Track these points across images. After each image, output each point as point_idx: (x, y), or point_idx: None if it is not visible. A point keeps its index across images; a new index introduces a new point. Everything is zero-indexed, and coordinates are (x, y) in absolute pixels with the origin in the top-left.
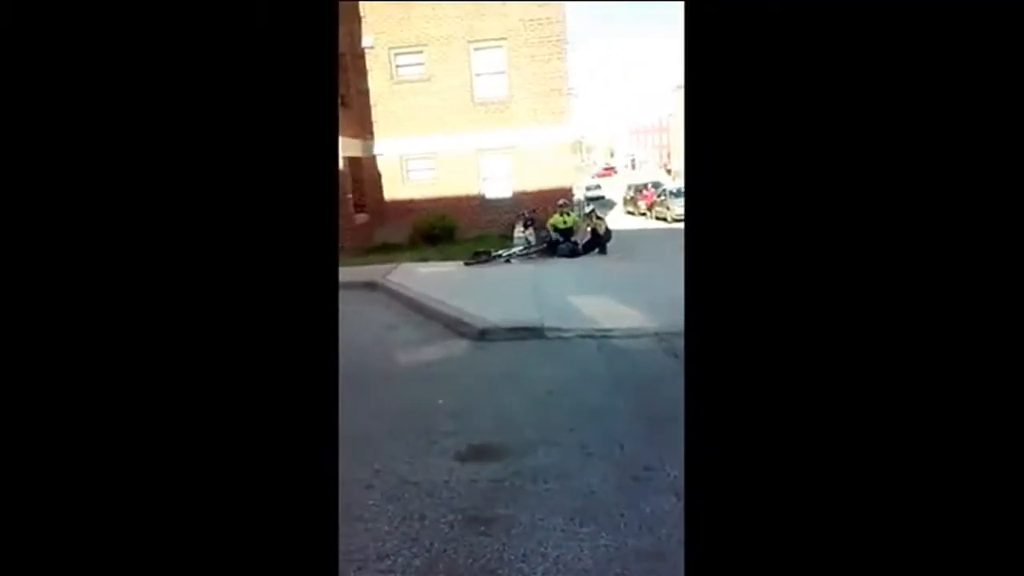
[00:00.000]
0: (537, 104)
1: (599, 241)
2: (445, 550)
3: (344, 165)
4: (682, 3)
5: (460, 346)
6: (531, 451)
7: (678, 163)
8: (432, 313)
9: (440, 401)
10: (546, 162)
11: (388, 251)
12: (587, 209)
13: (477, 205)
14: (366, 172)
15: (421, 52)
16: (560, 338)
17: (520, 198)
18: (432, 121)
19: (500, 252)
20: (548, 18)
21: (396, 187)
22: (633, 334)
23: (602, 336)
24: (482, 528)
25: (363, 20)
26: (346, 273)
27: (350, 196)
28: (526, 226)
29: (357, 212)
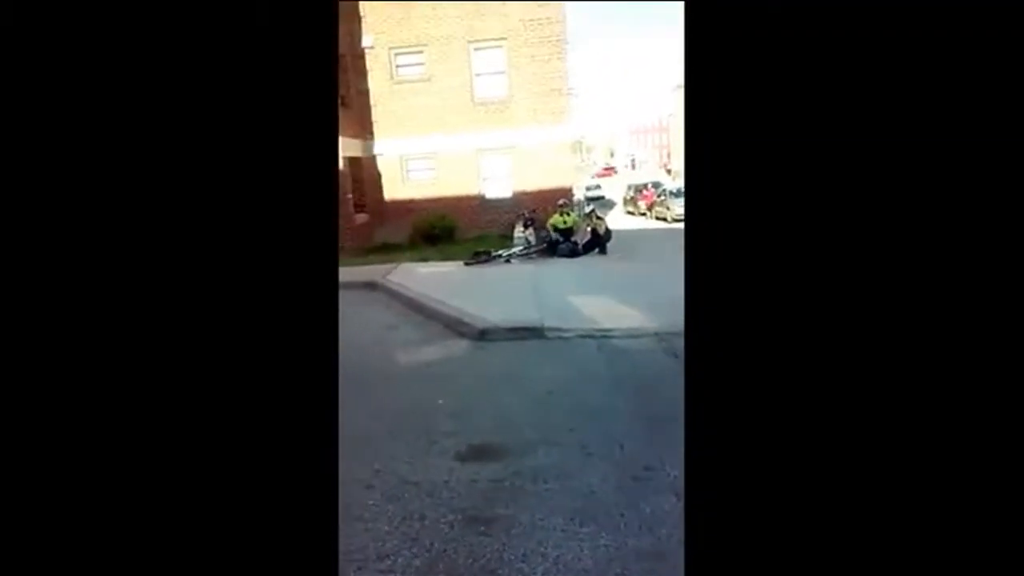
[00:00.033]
0: (537, 104)
1: (599, 241)
2: (445, 550)
3: (344, 165)
4: (682, 3)
5: (460, 346)
6: (531, 451)
7: (678, 163)
8: (432, 313)
9: (440, 401)
10: (546, 162)
11: (388, 251)
12: (587, 209)
13: (477, 205)
14: (366, 172)
15: (421, 52)
16: (560, 338)
17: (520, 198)
18: (432, 121)
19: (500, 252)
20: (548, 18)
21: (396, 187)
22: (633, 334)
23: (602, 336)
24: (482, 528)
25: (363, 20)
26: (346, 273)
27: (350, 196)
28: (526, 226)
29: (357, 212)
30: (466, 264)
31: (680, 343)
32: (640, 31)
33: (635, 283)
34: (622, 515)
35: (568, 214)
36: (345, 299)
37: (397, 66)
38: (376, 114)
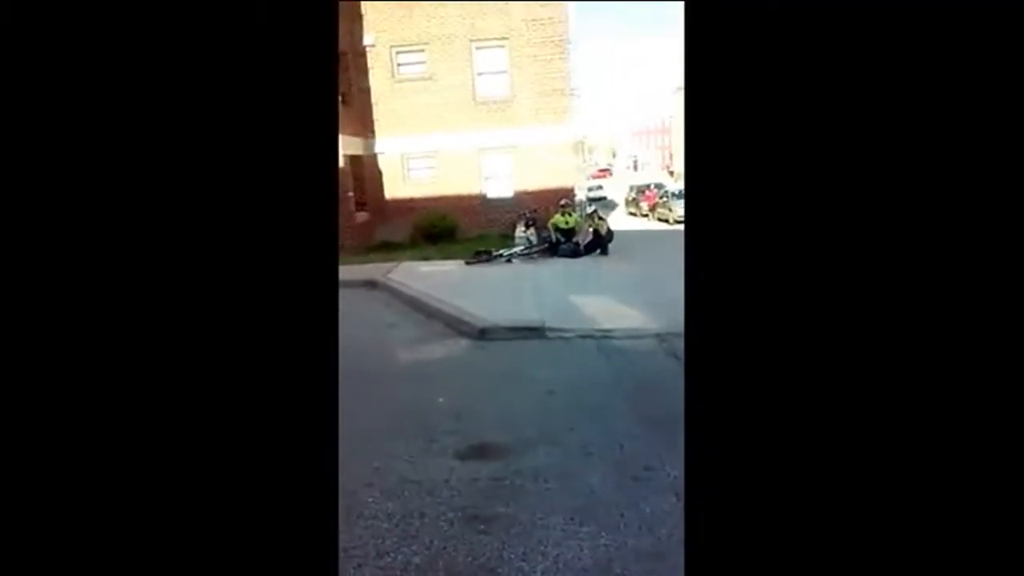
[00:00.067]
0: (539, 104)
1: (600, 242)
2: (445, 548)
3: (345, 163)
4: (682, 3)
5: (461, 345)
6: (531, 450)
7: (680, 165)
8: (433, 312)
9: (440, 400)
10: (548, 162)
11: (389, 250)
12: (589, 210)
13: (478, 204)
14: (367, 170)
15: (423, 51)
16: (561, 338)
17: (521, 198)
18: (433, 120)
19: (501, 252)
20: (550, 18)
21: (397, 186)
22: (634, 335)
23: (603, 336)
24: (482, 526)
25: (364, 18)
26: (346, 271)
27: (351, 194)
28: (527, 226)
29: (358, 210)
30: (467, 263)
31: (680, 344)
32: (641, 32)
33: (636, 284)
34: (622, 515)
35: (570, 214)
36: (345, 297)
37: (398, 64)
38: (377, 112)
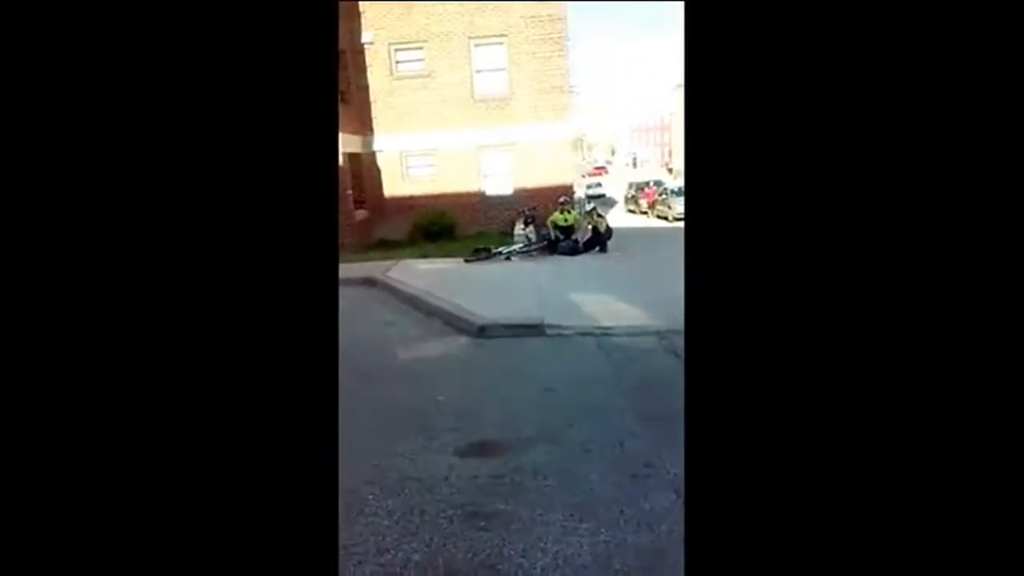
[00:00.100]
0: (538, 101)
1: (600, 239)
2: (444, 545)
3: (344, 161)
4: (682, 3)
5: (460, 343)
6: (531, 447)
7: (679, 162)
8: (432, 310)
9: (440, 398)
10: (547, 159)
11: (388, 247)
12: (588, 207)
13: (477, 202)
14: (366, 168)
15: (421, 48)
16: (560, 335)
17: (520, 195)
18: (432, 117)
19: (500, 249)
20: (549, 15)
21: (396, 183)
22: (633, 332)
23: (602, 334)
24: (482, 523)
25: (363, 15)
26: (345, 269)
27: (350, 192)
28: (526, 223)
29: (357, 208)
30: (466, 261)
31: (680, 341)
32: (641, 32)
33: (635, 281)
34: (621, 512)
35: (569, 212)
36: (344, 295)
37: (397, 62)
38: (376, 110)
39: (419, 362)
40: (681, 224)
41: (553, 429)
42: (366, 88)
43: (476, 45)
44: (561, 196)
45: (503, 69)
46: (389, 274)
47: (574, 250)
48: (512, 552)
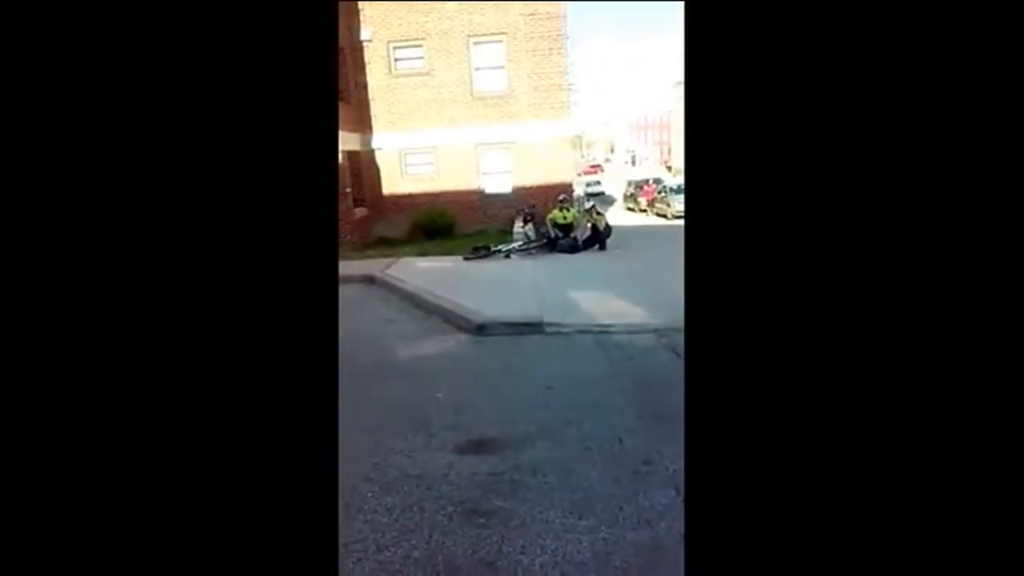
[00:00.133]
0: (537, 99)
1: (599, 237)
2: (444, 542)
3: (343, 159)
4: (682, 3)
5: (459, 340)
6: (530, 445)
7: (678, 160)
8: (431, 307)
9: (439, 395)
10: (546, 157)
11: (387, 245)
12: (587, 205)
13: (476, 200)
14: (365, 166)
15: (420, 46)
16: (559, 333)
17: (519, 193)
18: (431, 115)
19: (499, 247)
20: (548, 13)
21: (395, 181)
22: (632, 330)
23: (601, 332)
24: (481, 520)
25: (362, 13)
26: (345, 267)
27: (349, 190)
28: (525, 221)
29: (356, 206)
30: (465, 259)
31: (678, 339)
32: (641, 32)
33: (634, 279)
34: (620, 508)
35: (568, 210)
36: (343, 293)
37: (396, 59)
38: (375, 108)
39: (418, 360)
40: (680, 222)
41: (552, 426)
42: (365, 86)
43: (475, 43)
44: (560, 194)
45: (502, 67)
46: (388, 272)
47: (573, 248)
48: (511, 549)
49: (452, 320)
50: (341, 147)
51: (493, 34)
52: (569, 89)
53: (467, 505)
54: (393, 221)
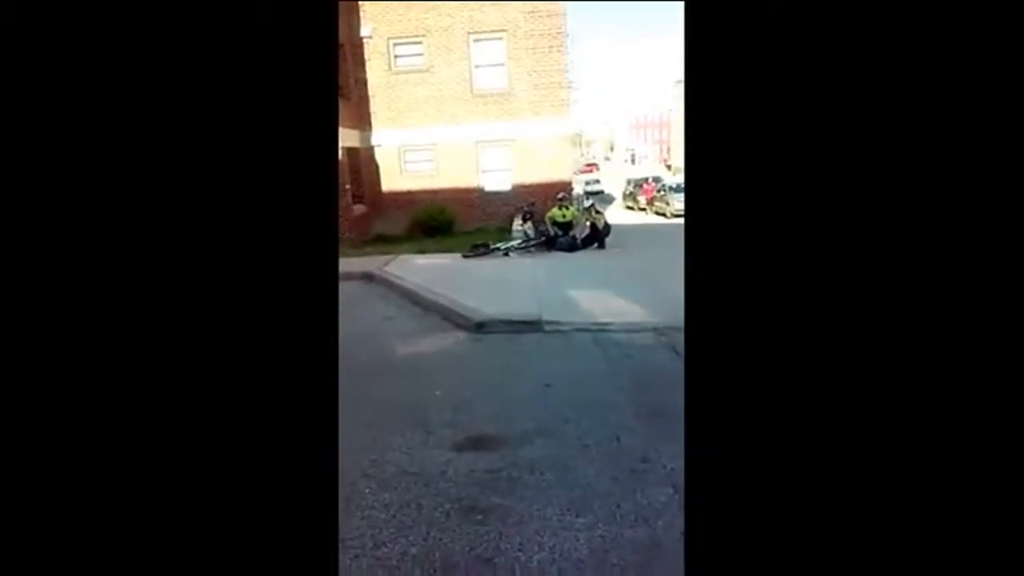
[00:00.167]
0: (537, 97)
1: (598, 235)
2: (441, 539)
3: (342, 156)
4: (682, 3)
5: (457, 338)
6: (528, 442)
7: (678, 158)
8: (430, 305)
9: (437, 392)
10: (545, 155)
11: (386, 243)
12: (586, 203)
13: (476, 197)
14: (364, 163)
15: (420, 43)
16: (558, 331)
17: (519, 191)
18: (431, 112)
19: (498, 245)
20: (548, 10)
21: (394, 178)
22: (631, 328)
23: (600, 330)
24: (478, 517)
25: (361, 10)
26: (344, 264)
27: (348, 187)
28: (525, 219)
29: (355, 203)
30: (464, 256)
31: (677, 338)
32: (641, 32)
33: (633, 278)
34: (618, 506)
35: (567, 208)
36: (342, 290)
37: (396, 56)
38: (374, 104)
39: (417, 357)
40: (679, 220)
41: (550, 424)
42: (365, 82)
43: (475, 40)
44: (560, 192)
45: (502, 64)
46: (387, 269)
47: (572, 246)
48: (509, 546)
49: (451, 318)
50: (340, 144)
51: (493, 31)
52: (569, 87)
53: (465, 502)
54: (392, 218)
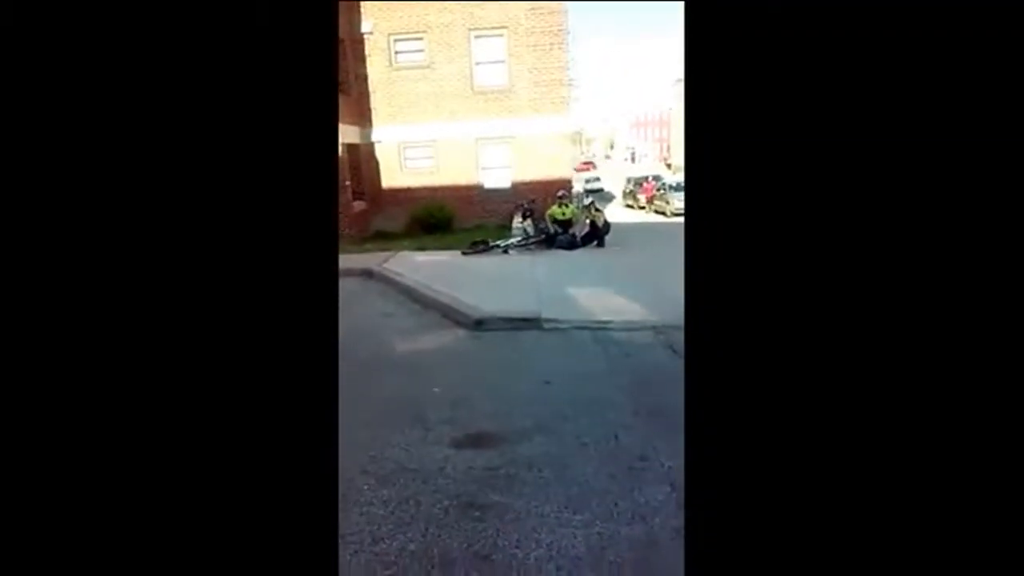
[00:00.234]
0: (537, 94)
1: (597, 233)
2: (439, 535)
3: (342, 152)
4: (682, 3)
5: (457, 335)
6: (526, 440)
7: (678, 157)
8: (429, 302)
9: (436, 389)
10: (546, 153)
11: (385, 239)
12: (586, 201)
13: (476, 194)
14: (364, 159)
15: (421, 39)
16: (557, 329)
17: (519, 188)
18: (431, 109)
19: (498, 242)
20: (549, 8)
21: (394, 175)
22: (630, 327)
23: (599, 328)
24: (476, 514)
25: (362, 6)
26: (343, 260)
27: (348, 183)
28: (524, 217)
29: (354, 200)
30: (463, 254)
31: (676, 336)
32: (642, 32)
33: (632, 276)
34: (616, 504)
35: (567, 206)
36: (342, 287)
37: (396, 52)
38: (375, 101)
39: (416, 354)
40: (679, 219)
41: (549, 422)
42: (365, 78)
43: (476, 37)
44: (559, 190)
45: (503, 61)
46: (386, 266)
47: (572, 244)
48: (506, 543)
49: (450, 315)
50: (341, 140)
51: (494, 28)
52: (570, 84)
53: (463, 499)
54: (392, 215)
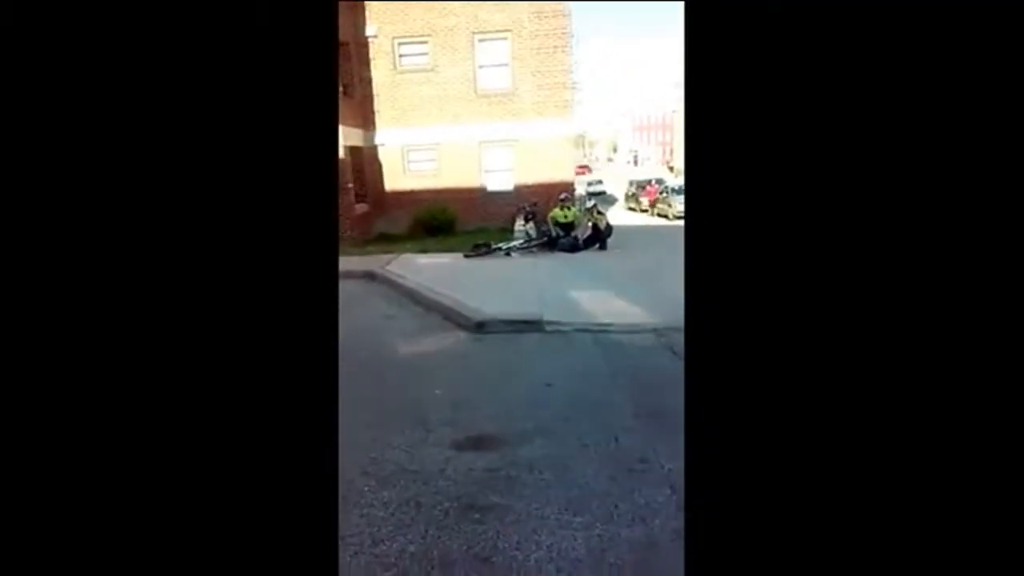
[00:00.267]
0: (541, 97)
1: (599, 236)
2: (440, 537)
3: (345, 154)
4: (682, 3)
5: (458, 338)
6: (527, 442)
7: (681, 160)
8: (430, 304)
9: (437, 391)
10: (548, 156)
11: (388, 242)
12: (588, 204)
13: (478, 197)
14: (367, 162)
15: (425, 42)
16: (558, 331)
17: (521, 191)
18: (435, 112)
19: (500, 245)
20: (554, 11)
21: (397, 178)
22: (631, 329)
23: (600, 330)
24: (477, 516)
25: (367, 9)
26: (345, 263)
27: (350, 186)
28: (527, 219)
29: (357, 202)
30: (466, 256)
31: (677, 338)
32: (642, 32)
33: (634, 279)
34: (616, 506)
35: (569, 208)
36: (344, 289)
37: (400, 55)
38: (378, 103)
39: (417, 356)
40: (681, 223)
41: (549, 424)
42: (369, 81)
43: (480, 40)
44: (562, 193)
45: (506, 64)
46: (389, 268)
47: (574, 247)
48: (506, 545)
49: (452, 317)
50: (344, 142)
51: (498, 31)
52: (573, 88)
53: (463, 501)
54: (394, 217)
